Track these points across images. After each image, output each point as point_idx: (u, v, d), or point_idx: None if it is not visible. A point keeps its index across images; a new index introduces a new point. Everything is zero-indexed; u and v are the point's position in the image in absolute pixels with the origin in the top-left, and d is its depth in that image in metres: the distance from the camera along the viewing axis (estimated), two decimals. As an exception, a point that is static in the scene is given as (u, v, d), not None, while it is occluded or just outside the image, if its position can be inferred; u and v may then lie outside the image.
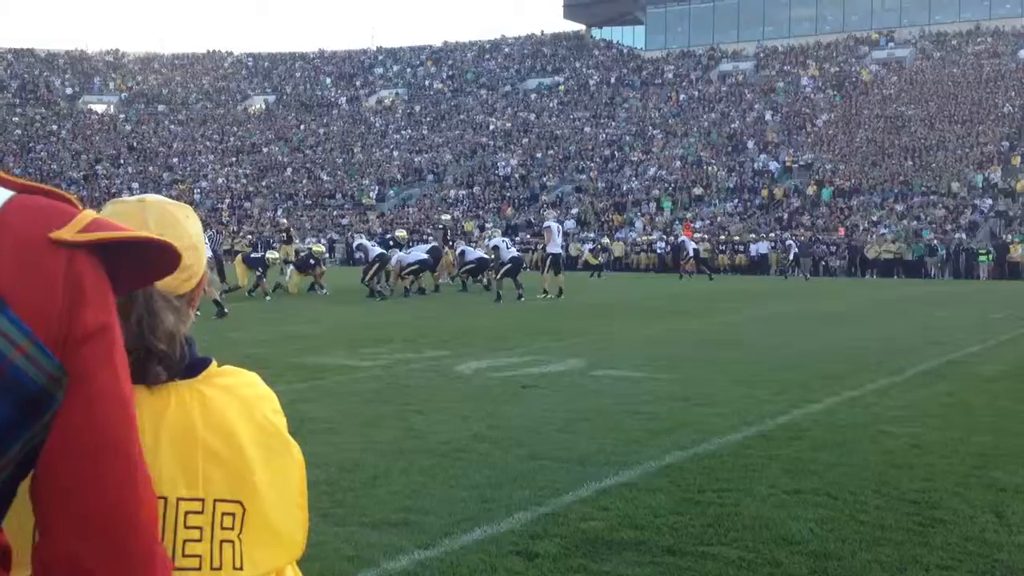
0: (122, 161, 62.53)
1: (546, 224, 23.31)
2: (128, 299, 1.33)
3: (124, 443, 1.10)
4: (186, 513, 1.36)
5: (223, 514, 1.38)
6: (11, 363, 0.99)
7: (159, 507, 1.32)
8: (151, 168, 61.52)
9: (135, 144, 64.74)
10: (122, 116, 69.13)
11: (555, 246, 22.11)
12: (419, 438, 6.69)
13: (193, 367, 1.42)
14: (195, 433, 1.38)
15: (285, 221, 31.70)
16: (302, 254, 23.87)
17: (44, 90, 70.57)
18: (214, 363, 1.46)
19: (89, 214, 1.10)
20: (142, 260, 1.15)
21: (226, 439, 1.39)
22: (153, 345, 1.35)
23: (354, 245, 24.09)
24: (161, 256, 1.15)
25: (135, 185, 58.56)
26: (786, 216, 42.22)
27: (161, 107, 70.17)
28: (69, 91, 71.44)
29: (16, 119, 66.17)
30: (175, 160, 62.68)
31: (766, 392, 8.62)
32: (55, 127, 66.25)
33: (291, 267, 23.61)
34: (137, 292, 1.34)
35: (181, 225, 1.45)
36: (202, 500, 1.37)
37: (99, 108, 70.47)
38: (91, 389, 1.07)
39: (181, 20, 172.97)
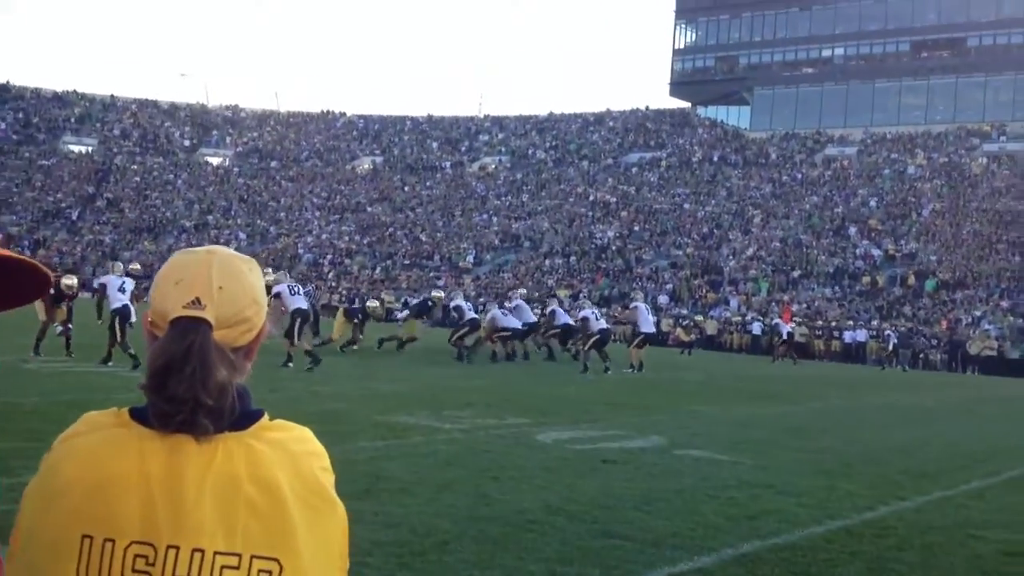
0: (233, 212, 64.46)
1: (634, 304, 23.09)
2: (185, 352, 1.34)
3: None
4: (222, 567, 1.33)
5: (259, 571, 1.35)
6: None
7: (195, 559, 1.33)
8: (259, 221, 63.26)
9: (246, 197, 66.75)
10: (236, 169, 71.43)
11: (648, 325, 21.99)
12: (493, 506, 6.62)
13: (243, 419, 1.40)
14: (239, 486, 1.35)
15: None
16: (424, 299, 24.55)
17: (164, 140, 73.40)
18: (266, 416, 1.44)
19: None
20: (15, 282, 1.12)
21: (270, 494, 1.36)
22: (202, 398, 1.34)
23: (451, 306, 24.09)
24: (30, 279, 1.13)
25: (243, 236, 60.24)
26: (886, 305, 41.23)
27: (273, 163, 72.33)
28: (187, 143, 74.15)
29: (135, 167, 68.86)
30: (282, 214, 64.36)
31: (853, 485, 8.33)
32: (172, 176, 68.72)
33: (406, 312, 24.17)
34: (194, 344, 1.35)
35: (245, 277, 1.45)
36: (239, 555, 1.34)
37: (215, 160, 72.96)
38: None
39: (297, 80, 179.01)
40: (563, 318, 24.04)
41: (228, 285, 1.41)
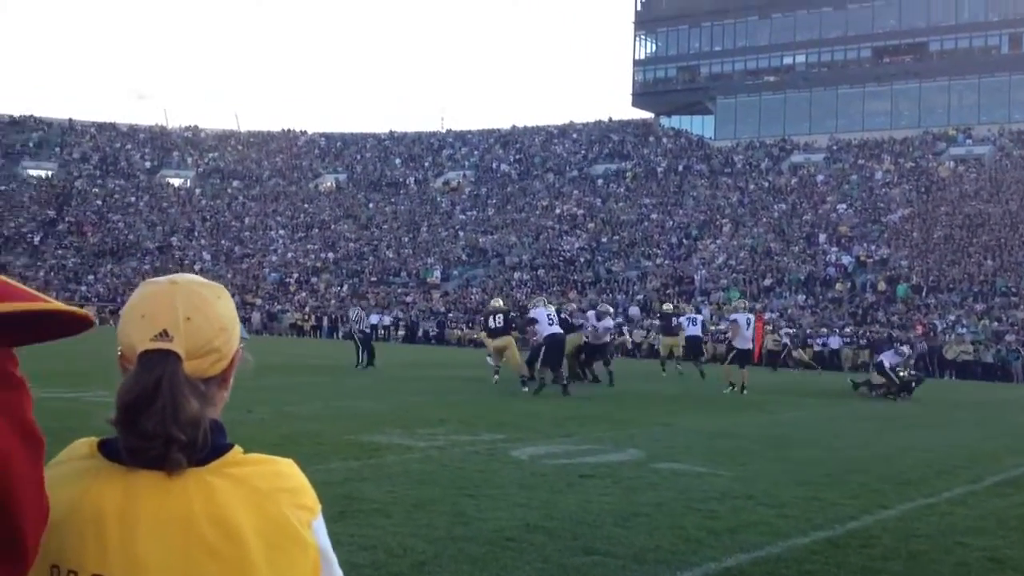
0: (196, 233, 63.98)
1: (733, 317, 21.44)
2: (155, 386, 1.32)
3: (25, 507, 1.11)
4: None
5: None
6: None
7: None
8: (223, 241, 62.84)
9: (209, 217, 66.29)
10: (198, 190, 70.95)
11: (744, 341, 20.46)
12: (470, 524, 6.47)
13: (209, 454, 1.35)
14: (193, 526, 1.30)
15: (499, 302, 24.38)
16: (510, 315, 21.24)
17: (124, 163, 72.81)
18: (236, 450, 1.38)
19: None
20: (49, 323, 1.12)
21: (227, 534, 1.31)
22: (174, 433, 1.31)
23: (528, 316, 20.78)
24: (66, 319, 1.13)
25: (207, 256, 59.81)
26: (860, 312, 41.43)
27: (236, 183, 71.92)
28: (148, 165, 73.60)
29: (96, 190, 68.23)
30: (247, 234, 63.97)
31: (835, 495, 8.23)
32: (133, 199, 68.16)
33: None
34: (164, 377, 1.31)
35: (211, 306, 1.42)
36: None
37: (176, 182, 72.48)
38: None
39: (257, 99, 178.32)
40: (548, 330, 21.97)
41: (195, 316, 1.39)
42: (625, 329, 39.17)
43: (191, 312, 1.39)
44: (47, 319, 1.10)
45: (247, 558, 1.31)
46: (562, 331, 18.55)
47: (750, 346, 20.98)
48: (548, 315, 18.79)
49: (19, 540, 1.12)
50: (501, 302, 22.23)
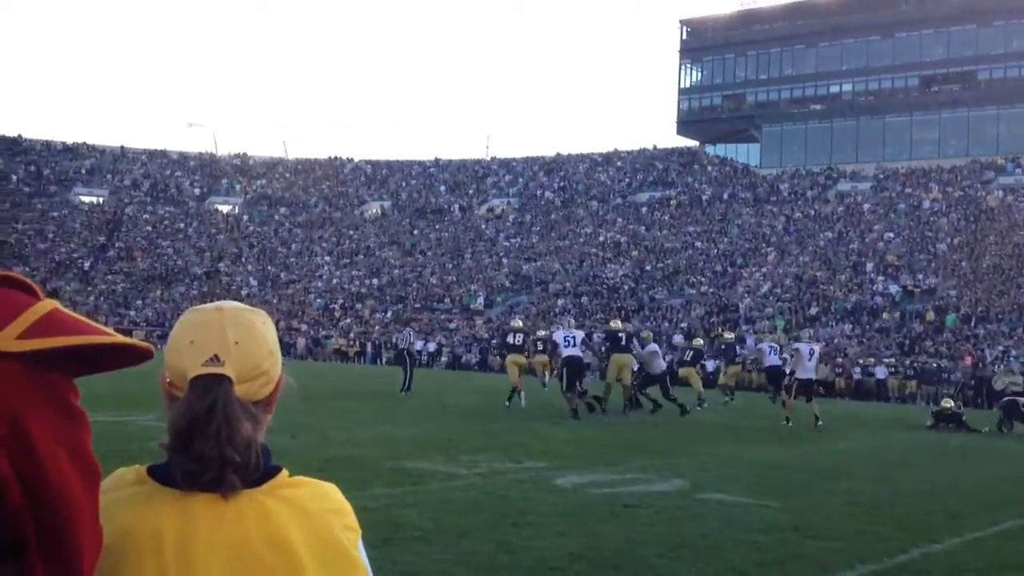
0: (243, 259, 64.69)
1: (795, 347, 20.53)
2: (208, 410, 1.34)
3: (79, 535, 1.11)
4: None
5: None
6: None
7: None
8: (270, 267, 63.46)
9: (256, 243, 67.02)
10: (245, 217, 71.78)
11: (806, 371, 19.36)
12: (514, 553, 6.44)
13: (260, 477, 1.37)
14: (250, 547, 1.32)
15: (519, 323, 25.71)
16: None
17: (174, 190, 73.90)
18: (284, 472, 1.41)
19: (43, 307, 1.08)
20: (108, 354, 1.12)
21: (283, 554, 1.33)
22: (229, 455, 1.33)
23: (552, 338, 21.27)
24: (130, 354, 1.14)
25: (254, 282, 60.40)
26: (908, 342, 40.86)
27: (283, 209, 72.67)
28: (197, 191, 74.63)
29: (146, 216, 69.29)
30: (293, 260, 64.56)
31: (883, 528, 8.09)
32: (182, 225, 69.10)
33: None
34: (217, 401, 1.34)
35: (258, 331, 1.45)
36: None
37: (224, 208, 73.40)
38: (49, 506, 1.08)
39: (305, 127, 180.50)
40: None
41: (244, 340, 1.41)
42: (668, 357, 38.90)
43: (240, 336, 1.41)
44: (109, 351, 1.11)
45: None
46: (579, 354, 19.07)
47: (813, 376, 20.06)
48: (565, 337, 19.42)
49: (76, 571, 1.13)
50: (521, 323, 23.39)
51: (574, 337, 19.69)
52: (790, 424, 19.19)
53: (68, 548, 1.10)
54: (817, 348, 21.01)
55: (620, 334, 20.60)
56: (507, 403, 19.80)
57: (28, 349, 1.01)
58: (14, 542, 1.05)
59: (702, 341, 28.72)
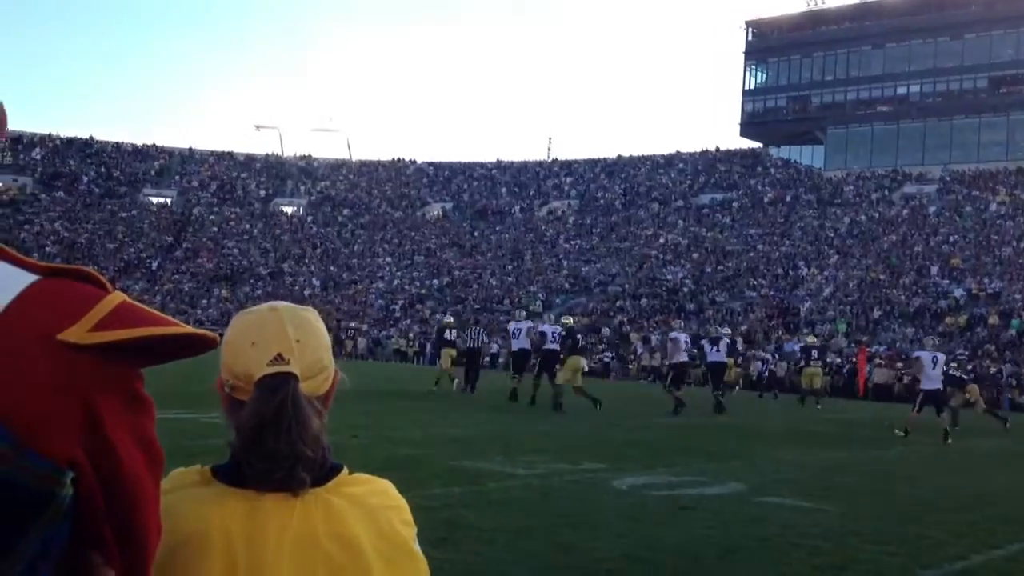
0: (307, 260, 65.49)
1: (916, 354, 19.25)
2: (278, 407, 1.35)
3: (147, 530, 1.14)
4: None
5: None
6: None
7: None
8: (332, 267, 64.17)
9: (319, 244, 67.81)
10: (309, 218, 72.67)
11: (931, 381, 18.02)
12: (571, 553, 6.49)
13: (324, 474, 1.41)
14: (318, 544, 1.35)
15: (450, 319, 30.95)
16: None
17: (240, 191, 75.05)
18: (345, 470, 1.45)
19: (113, 300, 1.08)
20: (175, 344, 1.14)
21: (349, 551, 1.36)
22: (302, 451, 1.35)
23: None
24: (197, 343, 1.16)
25: (316, 283, 61.11)
26: (972, 346, 40.08)
27: (346, 210, 73.42)
28: (262, 193, 75.70)
29: (213, 217, 70.49)
30: (355, 261, 65.22)
31: (943, 533, 8.00)
32: (248, 226, 70.16)
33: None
34: (286, 400, 1.36)
35: (315, 326, 1.47)
36: None
37: (289, 209, 74.38)
38: (102, 483, 1.08)
39: (369, 129, 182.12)
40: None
41: (304, 337, 1.43)
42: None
43: (300, 334, 1.43)
44: (174, 341, 1.13)
45: (368, 575, 1.37)
46: (557, 348, 20.30)
47: (939, 386, 18.34)
48: (552, 332, 20.90)
49: (144, 560, 1.16)
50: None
51: (520, 329, 21.93)
52: (906, 435, 17.78)
53: (138, 533, 1.13)
54: (942, 356, 19.22)
55: (577, 335, 21.18)
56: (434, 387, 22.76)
57: (101, 341, 1.04)
58: (90, 530, 1.10)
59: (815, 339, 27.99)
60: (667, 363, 23.00)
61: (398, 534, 1.42)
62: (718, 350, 22.80)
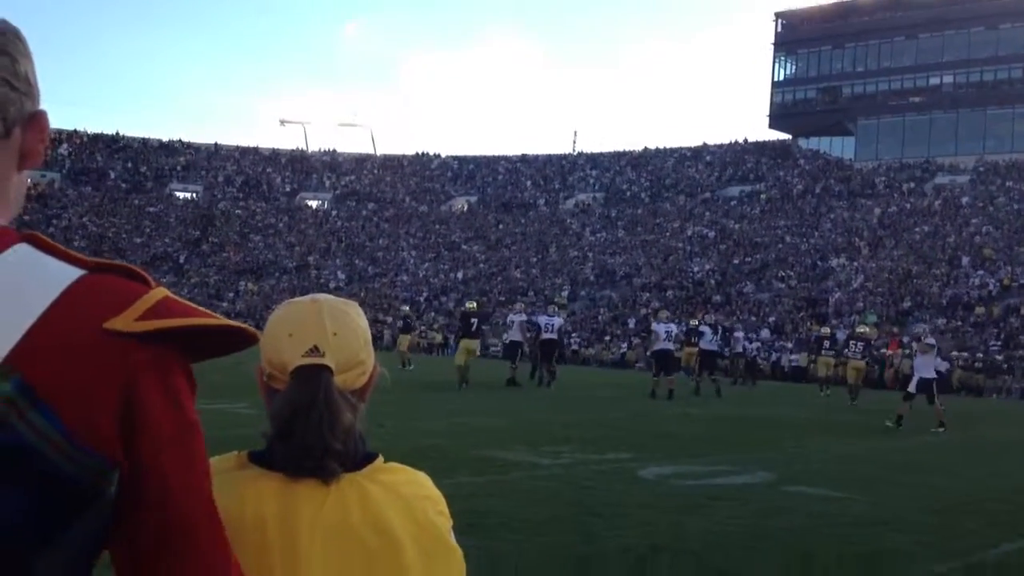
0: (332, 253, 65.76)
1: (929, 340, 18.45)
2: (310, 398, 1.38)
3: (205, 541, 1.13)
4: None
5: None
6: (44, 458, 1.02)
7: None
8: (357, 261, 64.38)
9: (344, 238, 68.06)
10: (334, 212, 72.93)
11: (928, 369, 17.56)
12: (596, 543, 6.45)
13: (360, 461, 1.42)
14: (352, 528, 1.36)
15: (407, 308, 32.87)
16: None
17: (265, 186, 75.44)
18: (380, 458, 1.45)
19: (156, 294, 1.11)
20: (217, 338, 1.16)
21: (383, 537, 1.36)
22: (331, 443, 1.37)
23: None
24: (237, 337, 1.17)
25: (342, 276, 61.34)
26: (1004, 336, 39.65)
27: (370, 204, 73.63)
28: (288, 187, 76.05)
29: (239, 211, 70.91)
30: (379, 254, 65.39)
31: (972, 522, 7.90)
32: (273, 220, 70.52)
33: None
34: (319, 390, 1.38)
35: (354, 321, 1.48)
36: None
37: (314, 204, 74.68)
38: (169, 492, 1.10)
39: (393, 124, 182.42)
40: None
41: (341, 331, 1.44)
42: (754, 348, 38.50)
43: (338, 328, 1.44)
44: (216, 334, 1.15)
45: (403, 562, 1.37)
46: (555, 337, 23.53)
47: (932, 375, 17.73)
48: (546, 323, 23.64)
49: (205, 557, 1.18)
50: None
51: (514, 322, 24.10)
52: (943, 430, 16.87)
53: (185, 536, 1.13)
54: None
55: (472, 318, 22.22)
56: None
57: (148, 329, 1.06)
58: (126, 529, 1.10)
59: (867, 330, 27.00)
60: (648, 352, 25.64)
61: (433, 524, 1.42)
62: (709, 339, 24.39)
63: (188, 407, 1.12)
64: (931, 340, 18.52)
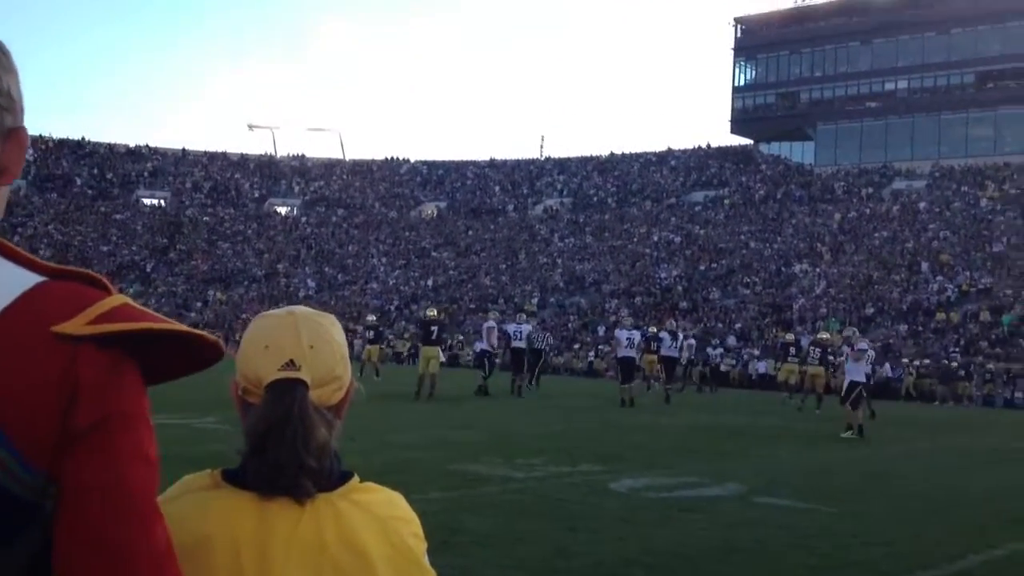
0: (301, 260, 65.37)
1: (860, 347, 18.27)
2: (285, 413, 1.34)
3: (135, 544, 1.08)
4: None
5: None
6: None
7: None
8: (327, 268, 64.05)
9: (313, 245, 67.70)
10: (304, 218, 72.56)
11: (859, 374, 17.70)
12: (571, 559, 6.52)
13: (335, 480, 1.40)
14: (325, 549, 1.34)
15: (372, 318, 32.70)
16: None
17: (234, 192, 74.88)
18: (355, 478, 1.43)
19: (114, 300, 1.09)
20: (178, 351, 1.14)
21: (357, 558, 1.35)
22: (306, 460, 1.34)
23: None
24: (201, 349, 1.15)
25: (311, 284, 60.99)
26: (963, 342, 40.21)
27: (340, 210, 73.31)
28: (256, 193, 75.55)
29: (207, 218, 70.32)
30: (349, 261, 65.13)
31: (941, 533, 8.07)
32: (242, 227, 70.00)
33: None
34: (293, 407, 1.35)
35: (330, 334, 1.45)
36: None
37: (283, 210, 74.25)
38: (86, 493, 1.05)
39: (362, 128, 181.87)
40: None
41: (318, 344, 1.41)
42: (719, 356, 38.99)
43: (314, 341, 1.40)
44: (176, 341, 1.13)
45: None
46: (524, 346, 23.96)
47: (862, 379, 17.88)
48: (515, 331, 24.25)
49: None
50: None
51: (522, 331, 24.28)
52: (854, 434, 17.18)
53: (123, 549, 1.09)
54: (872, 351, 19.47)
55: (432, 326, 22.00)
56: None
57: (96, 332, 1.05)
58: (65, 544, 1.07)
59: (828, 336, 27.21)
60: (613, 358, 26.37)
61: (407, 546, 1.40)
62: (669, 346, 25.28)
63: (138, 416, 1.10)
64: (863, 345, 18.55)
